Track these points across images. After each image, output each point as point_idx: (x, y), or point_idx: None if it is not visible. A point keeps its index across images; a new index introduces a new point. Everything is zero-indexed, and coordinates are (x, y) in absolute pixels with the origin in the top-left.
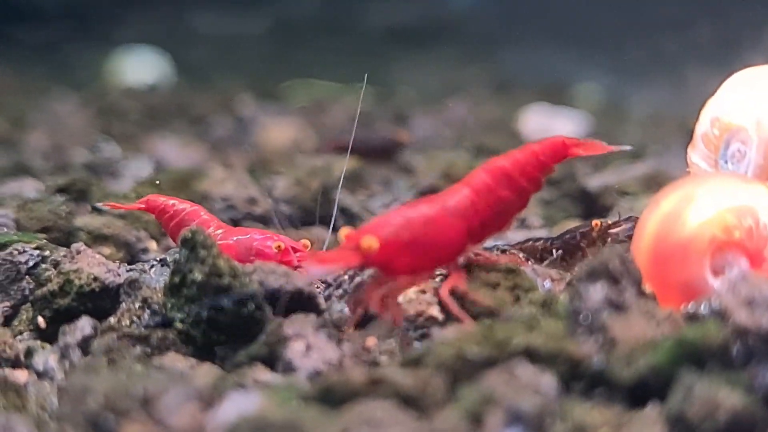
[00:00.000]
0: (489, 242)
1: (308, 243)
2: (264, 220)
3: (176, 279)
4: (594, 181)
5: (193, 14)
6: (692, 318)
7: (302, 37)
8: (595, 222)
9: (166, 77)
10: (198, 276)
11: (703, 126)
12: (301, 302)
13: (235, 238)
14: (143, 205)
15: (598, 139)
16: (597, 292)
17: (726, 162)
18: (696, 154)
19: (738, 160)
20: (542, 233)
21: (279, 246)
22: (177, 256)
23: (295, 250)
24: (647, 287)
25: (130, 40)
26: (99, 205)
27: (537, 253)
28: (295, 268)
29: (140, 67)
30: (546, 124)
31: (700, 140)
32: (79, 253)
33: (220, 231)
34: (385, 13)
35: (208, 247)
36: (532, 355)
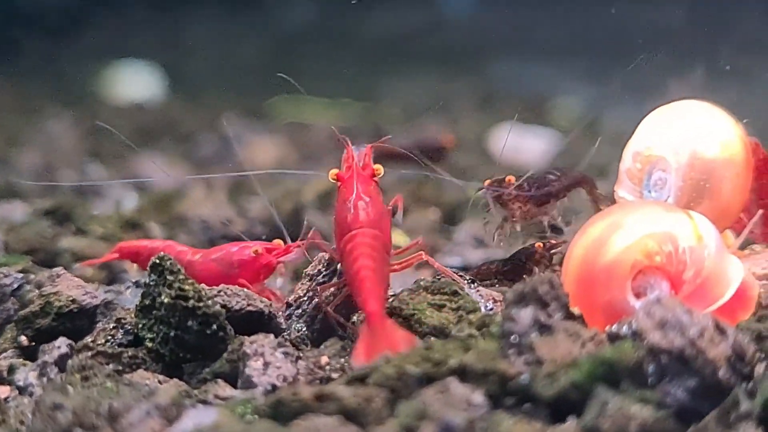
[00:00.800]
0: (452, 263)
1: (281, 242)
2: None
3: (146, 301)
4: None
5: (189, 28)
6: (614, 338)
7: (294, 51)
8: (538, 244)
9: (160, 92)
10: (165, 299)
11: (626, 162)
12: (261, 322)
13: (214, 256)
14: (116, 255)
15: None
16: (526, 315)
17: (649, 191)
18: (622, 189)
19: (660, 188)
20: (499, 254)
21: (256, 251)
22: (147, 279)
23: (271, 250)
24: (576, 309)
25: (125, 53)
26: (76, 266)
27: (491, 275)
28: (277, 264)
29: (134, 82)
30: (516, 142)
31: (624, 176)
32: (59, 276)
33: (198, 255)
34: (378, 25)
35: (174, 273)
36: (466, 374)
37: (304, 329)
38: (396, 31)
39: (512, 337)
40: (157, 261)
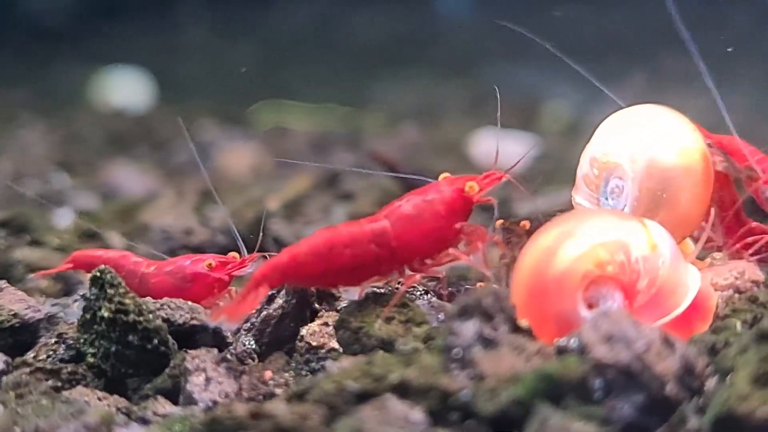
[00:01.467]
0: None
1: (236, 255)
2: (201, 250)
3: (87, 315)
4: (525, 208)
5: (179, 34)
6: (561, 352)
7: (285, 56)
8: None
9: (148, 99)
10: (106, 313)
11: (583, 168)
12: (206, 337)
13: (167, 269)
14: (71, 264)
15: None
16: (469, 329)
17: (606, 198)
18: (579, 196)
19: (617, 195)
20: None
21: (210, 264)
22: (89, 293)
23: (226, 263)
24: (525, 321)
25: (115, 59)
26: (31, 276)
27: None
28: (230, 278)
29: (123, 88)
30: (494, 146)
31: (582, 181)
32: (1, 290)
33: (152, 268)
34: (370, 29)
35: (115, 286)
36: (406, 389)
37: (252, 343)
38: (387, 34)
39: (454, 352)
40: (98, 274)
